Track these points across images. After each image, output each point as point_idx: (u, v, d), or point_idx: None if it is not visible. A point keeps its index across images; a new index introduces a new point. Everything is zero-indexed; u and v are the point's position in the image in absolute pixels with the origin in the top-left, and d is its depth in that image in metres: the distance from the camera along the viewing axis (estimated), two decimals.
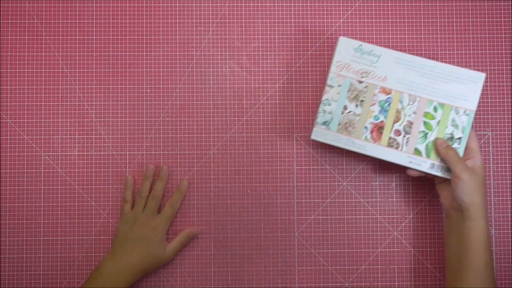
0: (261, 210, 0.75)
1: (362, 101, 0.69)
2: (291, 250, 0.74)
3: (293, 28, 0.76)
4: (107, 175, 0.74)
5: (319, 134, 0.69)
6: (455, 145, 0.68)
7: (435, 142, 0.68)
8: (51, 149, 0.74)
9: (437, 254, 0.75)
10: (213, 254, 0.74)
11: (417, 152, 0.68)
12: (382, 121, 0.69)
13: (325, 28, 0.76)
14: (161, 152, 0.75)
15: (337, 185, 0.75)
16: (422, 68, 0.68)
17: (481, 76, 0.68)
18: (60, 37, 0.75)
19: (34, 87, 0.75)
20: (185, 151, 0.75)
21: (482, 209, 0.65)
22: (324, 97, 0.69)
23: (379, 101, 0.69)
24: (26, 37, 0.75)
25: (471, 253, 0.65)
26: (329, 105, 0.69)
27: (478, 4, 0.76)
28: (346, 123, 0.68)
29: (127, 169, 0.74)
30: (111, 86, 0.75)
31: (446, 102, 0.68)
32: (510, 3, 0.76)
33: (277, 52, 0.76)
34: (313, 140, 0.72)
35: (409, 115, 0.68)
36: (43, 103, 0.75)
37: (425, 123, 0.68)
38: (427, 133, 0.68)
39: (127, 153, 0.75)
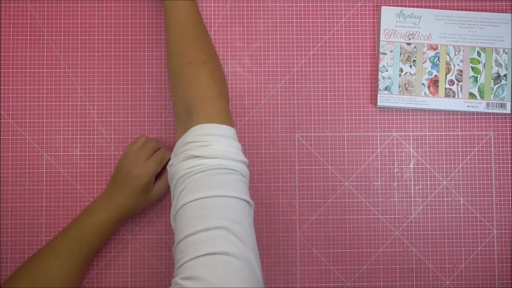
0: (262, 210, 0.75)
1: (414, 61, 0.74)
2: (292, 250, 0.74)
3: (294, 28, 0.76)
4: (109, 175, 0.74)
5: (383, 100, 0.74)
6: (502, 82, 0.74)
7: None
8: (53, 149, 0.74)
9: (438, 254, 0.74)
10: None
11: (472, 96, 0.74)
12: (436, 75, 0.74)
13: (327, 28, 0.76)
14: None
15: (339, 185, 0.75)
16: (459, 19, 0.74)
17: (510, 17, 0.75)
18: (62, 37, 0.75)
19: (36, 87, 0.75)
20: None
21: None
22: (380, 65, 0.74)
23: (429, 58, 0.75)
24: (28, 37, 0.75)
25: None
26: (386, 71, 0.74)
27: None
28: (405, 84, 0.74)
29: None
30: (112, 86, 0.75)
31: (486, 46, 0.74)
32: None
33: (278, 52, 0.76)
34: (380, 107, 0.76)
35: (458, 64, 0.74)
36: (44, 103, 0.75)
37: (472, 68, 0.74)
38: (476, 77, 0.74)
39: None
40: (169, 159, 0.65)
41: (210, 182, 0.54)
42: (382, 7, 0.75)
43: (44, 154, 0.74)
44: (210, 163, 0.55)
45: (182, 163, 0.57)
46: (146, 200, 0.69)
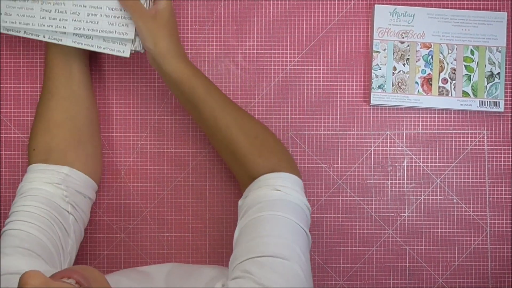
0: None
1: (407, 59, 0.74)
2: None
3: (288, 26, 0.76)
4: (103, 173, 0.74)
5: (377, 98, 0.74)
6: (495, 80, 0.74)
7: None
8: None
9: (432, 252, 0.74)
10: (208, 252, 0.74)
11: (465, 94, 0.74)
12: (429, 74, 0.74)
13: (320, 26, 0.76)
14: (157, 151, 0.75)
15: (332, 183, 0.75)
16: (452, 18, 0.74)
17: (503, 15, 0.74)
18: None
19: (31, 85, 0.75)
20: (181, 149, 0.75)
21: (171, 50, 0.64)
22: (373, 63, 0.74)
23: (423, 56, 0.74)
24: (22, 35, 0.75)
25: (187, 91, 0.64)
26: (380, 69, 0.74)
27: None
28: (398, 82, 0.73)
29: (123, 168, 0.74)
30: (106, 85, 0.75)
31: (479, 44, 0.74)
32: None
33: (272, 51, 0.76)
34: (373, 106, 0.75)
35: (451, 63, 0.74)
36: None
37: (466, 66, 0.74)
38: (470, 75, 0.74)
39: (123, 151, 0.75)
40: None
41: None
42: (375, 5, 0.75)
43: None
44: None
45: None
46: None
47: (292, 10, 0.76)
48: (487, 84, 0.75)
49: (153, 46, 0.63)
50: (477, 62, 0.75)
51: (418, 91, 0.75)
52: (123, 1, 0.63)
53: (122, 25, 0.65)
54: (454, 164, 0.75)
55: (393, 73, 0.75)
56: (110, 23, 0.65)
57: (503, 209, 0.75)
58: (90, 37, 0.65)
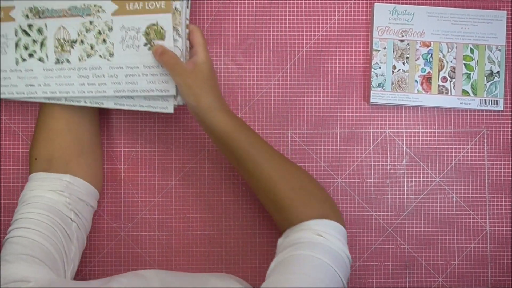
0: (256, 207, 0.75)
1: (407, 58, 0.74)
2: None
3: (288, 25, 0.76)
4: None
5: (376, 96, 0.73)
6: (495, 79, 0.74)
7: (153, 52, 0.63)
8: None
9: (431, 251, 0.74)
10: (208, 251, 0.74)
11: (465, 93, 0.74)
12: (429, 72, 0.74)
13: (320, 25, 0.76)
14: (156, 149, 0.75)
15: (332, 182, 0.75)
16: (452, 16, 0.74)
17: (503, 14, 0.74)
18: None
19: None
20: (180, 148, 0.75)
21: (216, 107, 0.62)
22: (373, 62, 0.74)
23: (422, 54, 0.74)
24: None
25: (231, 145, 0.63)
26: (379, 68, 0.74)
27: None
28: (398, 81, 0.73)
29: (122, 166, 0.74)
30: None
31: (479, 43, 0.74)
32: None
33: (272, 49, 0.76)
34: (373, 104, 0.75)
35: (451, 61, 0.74)
36: None
37: (465, 65, 0.74)
38: (469, 74, 0.74)
39: (122, 149, 0.75)
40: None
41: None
42: (375, 4, 0.75)
43: None
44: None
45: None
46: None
47: (292, 8, 0.76)
48: (487, 82, 0.75)
49: (196, 103, 0.62)
50: (477, 61, 0.75)
51: (417, 89, 0.75)
52: (160, 58, 0.62)
53: (162, 82, 0.64)
54: (453, 162, 0.75)
55: (392, 71, 0.75)
56: (150, 82, 0.64)
57: (502, 207, 0.75)
58: (132, 97, 0.65)
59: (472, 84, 0.75)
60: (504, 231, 0.75)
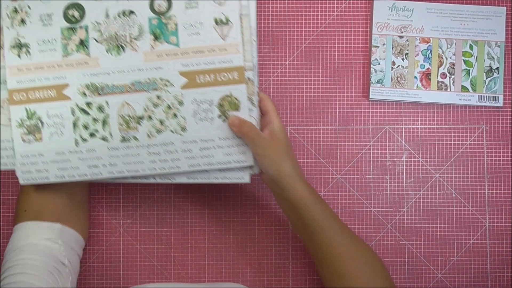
0: (255, 203, 0.75)
1: (406, 54, 0.74)
2: (285, 243, 0.74)
3: (287, 21, 0.76)
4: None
5: (375, 93, 0.73)
6: (494, 75, 0.74)
7: (229, 124, 0.62)
8: None
9: (431, 247, 0.74)
10: (207, 247, 0.74)
11: (464, 89, 0.74)
12: (428, 68, 0.74)
13: (319, 21, 0.76)
14: None
15: (331, 178, 0.75)
16: (451, 12, 0.74)
17: (502, 10, 0.74)
18: None
19: None
20: None
21: (294, 175, 0.61)
22: (372, 58, 0.74)
23: (421, 51, 0.74)
24: None
25: (306, 216, 0.61)
26: (379, 64, 0.74)
27: None
28: (397, 77, 0.73)
29: None
30: None
31: (478, 39, 0.74)
32: None
33: (271, 45, 0.76)
34: (372, 100, 0.75)
35: (450, 58, 0.74)
36: None
37: (465, 61, 0.74)
38: (469, 70, 0.74)
39: None
40: None
41: None
42: (374, 0, 0.75)
43: None
44: None
45: None
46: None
47: (291, 4, 0.76)
48: (486, 78, 0.75)
49: (277, 172, 0.60)
50: (476, 57, 0.75)
51: (417, 85, 0.75)
52: (238, 130, 0.61)
53: (239, 153, 0.62)
54: (453, 159, 0.75)
55: (392, 67, 0.75)
56: (226, 154, 0.62)
57: (502, 204, 0.75)
58: (206, 170, 0.63)
59: (471, 80, 0.75)
60: (504, 227, 0.75)
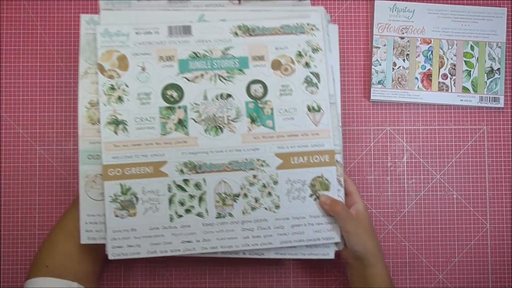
0: None
1: (407, 55, 0.74)
2: None
3: None
4: None
5: (376, 94, 0.73)
6: (495, 76, 0.74)
7: (320, 202, 0.65)
8: (46, 143, 0.74)
9: (432, 248, 0.74)
10: None
11: (465, 90, 0.74)
12: (429, 69, 0.74)
13: None
14: None
15: None
16: (452, 13, 0.74)
17: (503, 11, 0.75)
18: (55, 31, 0.75)
19: (29, 81, 0.75)
20: None
21: (377, 253, 0.64)
22: (373, 59, 0.74)
23: (422, 51, 0.75)
24: (21, 31, 0.75)
25: None
26: (380, 65, 0.74)
27: None
28: (398, 78, 0.73)
29: None
30: None
31: (479, 40, 0.74)
32: None
33: None
34: (373, 101, 0.75)
35: (451, 58, 0.74)
36: (38, 97, 0.75)
37: (466, 62, 0.74)
38: (470, 71, 0.74)
39: None
40: None
41: None
42: (375, 0, 0.75)
43: (37, 148, 0.74)
44: None
45: None
46: None
47: None
48: (487, 79, 0.75)
49: (363, 249, 0.63)
50: (477, 58, 0.75)
51: (418, 86, 0.75)
52: (330, 208, 0.64)
53: (328, 230, 0.65)
54: (454, 159, 0.75)
55: (393, 68, 0.75)
56: (316, 231, 0.65)
57: (503, 204, 0.75)
58: (294, 247, 0.65)
59: (472, 81, 0.75)
60: (505, 228, 0.75)
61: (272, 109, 0.65)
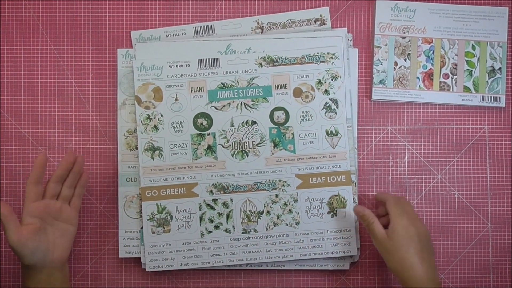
0: None
1: (409, 54, 0.74)
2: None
3: None
4: (103, 169, 0.74)
5: (378, 93, 0.74)
6: (497, 75, 0.74)
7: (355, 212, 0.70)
8: (48, 143, 0.74)
9: (434, 247, 0.74)
10: None
11: (466, 89, 0.74)
12: (430, 69, 0.74)
13: None
14: None
15: None
16: (453, 13, 0.74)
17: (505, 10, 0.74)
18: (57, 31, 0.75)
19: (31, 80, 0.75)
20: None
21: (413, 267, 0.64)
22: (375, 58, 0.74)
23: (424, 51, 0.75)
24: (23, 31, 0.75)
25: None
26: (381, 64, 0.74)
27: None
28: (399, 78, 0.74)
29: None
30: (107, 80, 0.75)
31: (481, 39, 0.74)
32: None
33: None
34: (374, 101, 0.75)
35: (452, 58, 0.74)
36: (39, 97, 0.75)
37: (467, 62, 0.74)
38: (471, 70, 0.74)
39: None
40: None
41: None
42: (377, 0, 0.75)
43: (39, 147, 0.74)
44: None
45: None
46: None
47: (293, 6, 0.76)
48: (489, 79, 0.75)
49: (402, 267, 0.64)
50: (479, 57, 0.75)
51: (419, 86, 0.75)
52: (361, 215, 0.67)
53: (345, 244, 0.71)
54: (455, 159, 0.75)
55: (394, 68, 0.75)
56: (333, 245, 0.71)
57: (504, 204, 0.75)
58: (313, 259, 0.72)
59: (473, 81, 0.75)
60: (506, 228, 0.75)
61: (293, 134, 0.71)
